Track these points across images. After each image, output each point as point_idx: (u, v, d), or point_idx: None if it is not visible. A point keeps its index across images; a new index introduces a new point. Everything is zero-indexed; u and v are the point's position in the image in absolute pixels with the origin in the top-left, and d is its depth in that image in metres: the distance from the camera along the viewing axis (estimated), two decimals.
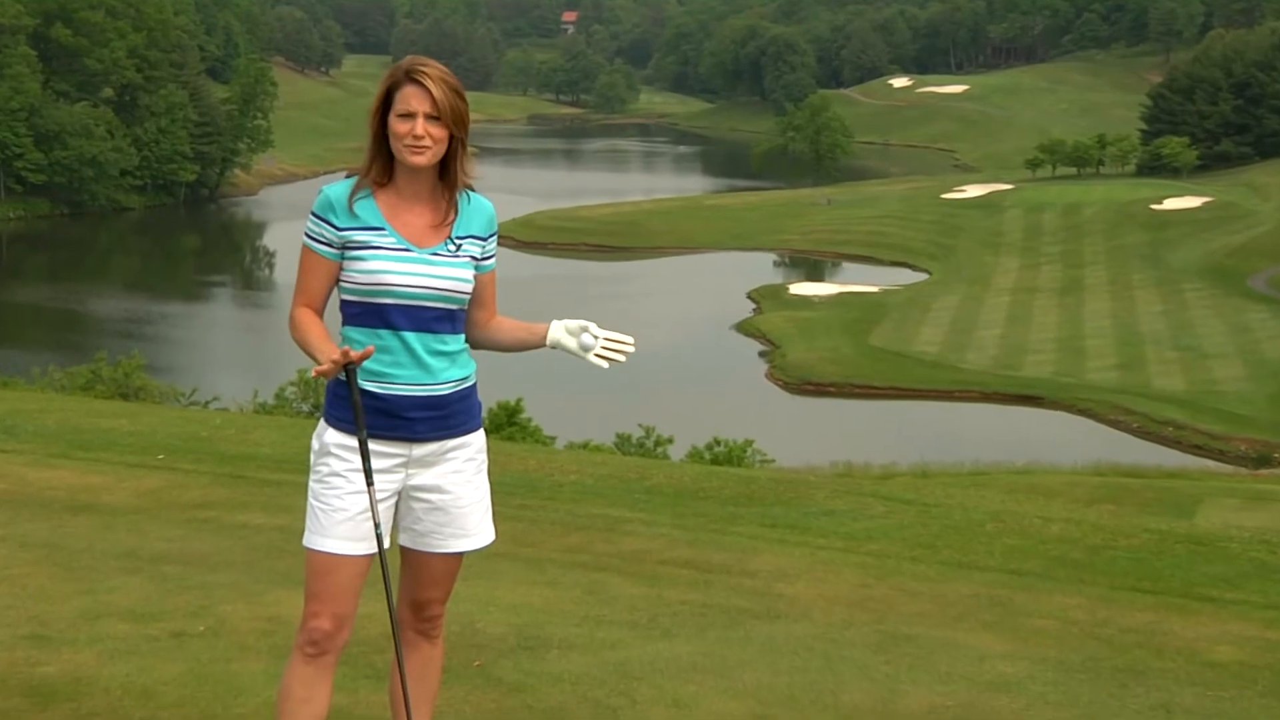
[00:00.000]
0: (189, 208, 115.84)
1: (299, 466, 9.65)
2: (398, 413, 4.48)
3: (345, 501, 4.48)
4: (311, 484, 4.56)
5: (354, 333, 4.50)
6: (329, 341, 4.47)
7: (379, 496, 4.51)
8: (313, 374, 4.45)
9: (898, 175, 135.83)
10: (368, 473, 4.45)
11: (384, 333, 4.47)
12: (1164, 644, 7.50)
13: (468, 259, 4.56)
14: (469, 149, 4.58)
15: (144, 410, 17.53)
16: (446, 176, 4.55)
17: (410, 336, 4.47)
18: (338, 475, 4.50)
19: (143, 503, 10.00)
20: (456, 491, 4.62)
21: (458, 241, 4.56)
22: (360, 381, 4.46)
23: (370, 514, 4.49)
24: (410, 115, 4.41)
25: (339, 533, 4.48)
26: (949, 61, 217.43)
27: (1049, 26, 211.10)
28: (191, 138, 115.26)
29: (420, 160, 4.43)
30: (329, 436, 4.53)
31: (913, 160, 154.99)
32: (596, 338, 4.75)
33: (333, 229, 4.48)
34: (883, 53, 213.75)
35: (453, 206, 4.56)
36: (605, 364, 4.77)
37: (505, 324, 4.79)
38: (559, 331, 4.75)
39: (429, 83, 4.42)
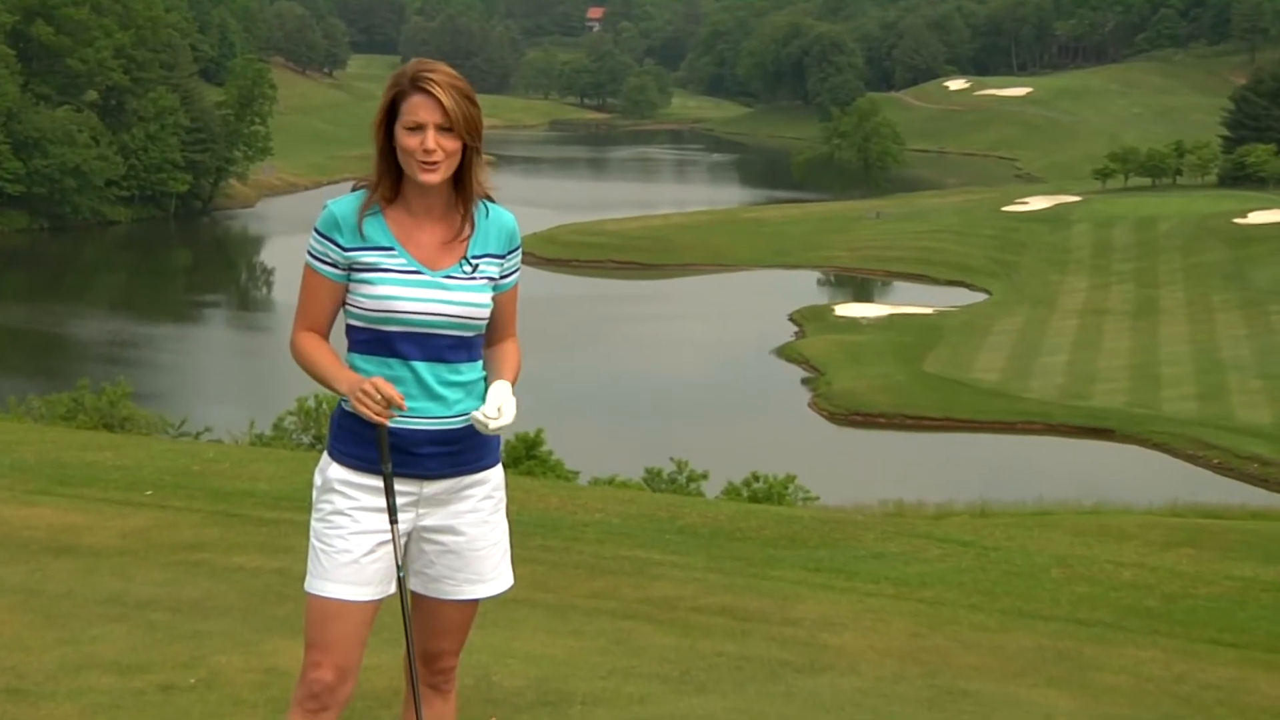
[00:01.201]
0: (180, 221, 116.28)
1: (299, 504, 9.67)
2: (408, 448, 4.49)
3: (350, 542, 4.49)
4: (313, 523, 4.57)
5: (361, 361, 4.51)
6: (345, 368, 4.49)
7: (385, 540, 4.52)
8: (371, 416, 4.37)
9: (954, 186, 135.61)
10: (391, 509, 4.46)
11: (393, 362, 4.48)
12: (1248, 702, 7.45)
13: (484, 281, 4.57)
14: (484, 157, 4.59)
15: (130, 442, 17.59)
16: (461, 190, 4.56)
17: (421, 366, 4.49)
18: (342, 514, 4.51)
19: (129, 544, 10.03)
20: (471, 533, 4.63)
21: (474, 261, 4.56)
22: (355, 411, 4.48)
23: (374, 555, 4.51)
24: (419, 127, 4.41)
25: (342, 576, 4.49)
26: (1011, 62, 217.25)
27: (1121, 23, 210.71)
28: (183, 145, 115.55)
29: (433, 178, 4.44)
30: (333, 472, 4.54)
31: (971, 170, 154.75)
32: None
33: (338, 249, 4.50)
34: (938, 52, 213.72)
35: (469, 222, 4.57)
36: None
37: (502, 353, 4.76)
38: (495, 394, 4.60)
39: (438, 90, 4.42)
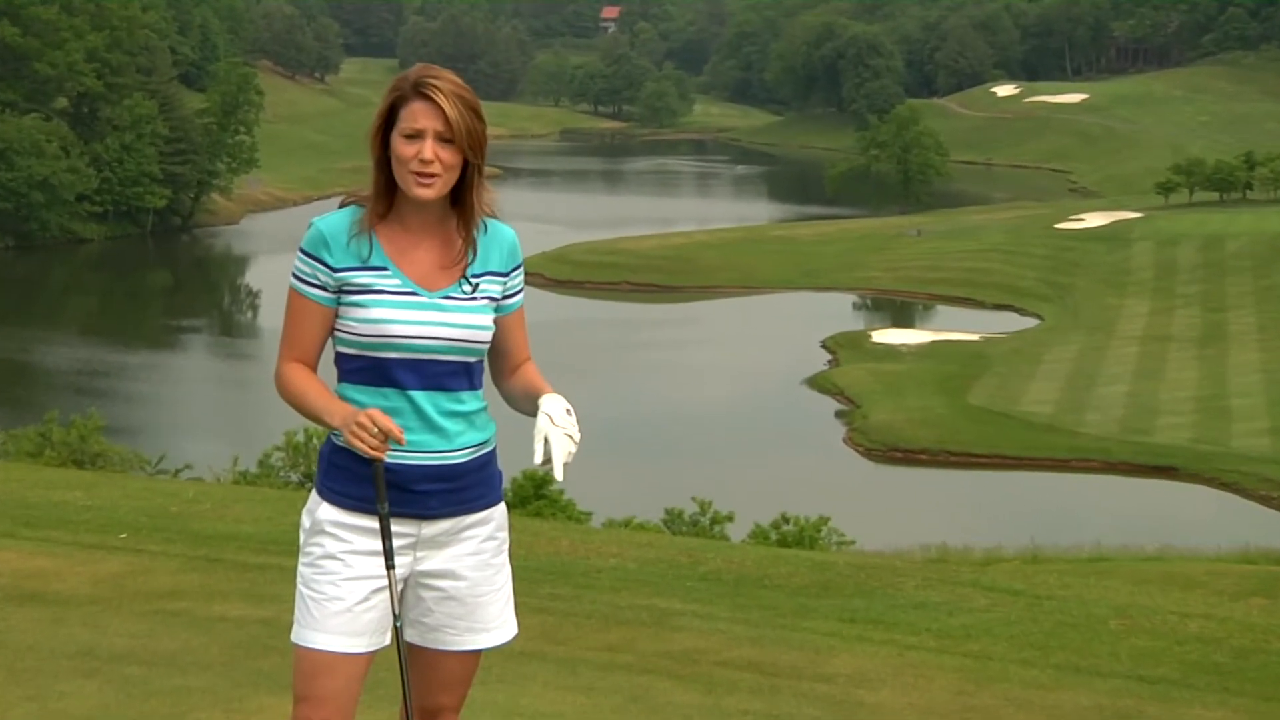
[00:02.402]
0: (157, 239, 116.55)
1: (287, 548, 9.67)
2: (405, 485, 4.49)
3: (341, 589, 4.49)
4: (301, 568, 4.58)
5: (354, 393, 4.51)
6: (336, 399, 4.49)
7: (381, 586, 4.52)
8: (366, 451, 4.38)
9: (1003, 201, 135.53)
10: (388, 553, 4.46)
11: (389, 392, 4.49)
12: None
13: (485, 301, 4.57)
14: (486, 176, 4.60)
15: (103, 480, 17.61)
16: (461, 210, 4.57)
17: (419, 396, 4.49)
18: (333, 558, 4.51)
19: (101, 591, 10.04)
20: (473, 577, 4.63)
21: (474, 281, 4.57)
22: (346, 446, 4.48)
23: (368, 603, 4.51)
24: (418, 135, 4.42)
25: (333, 626, 4.49)
26: (1064, 65, 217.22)
27: (1185, 24, 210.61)
28: (161, 156, 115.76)
29: (427, 193, 4.44)
30: (323, 512, 4.54)
31: (1021, 183, 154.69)
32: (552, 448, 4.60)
33: (326, 269, 4.50)
34: (985, 55, 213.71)
35: (469, 242, 4.58)
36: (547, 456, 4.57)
37: (529, 372, 4.77)
38: (552, 406, 4.63)
39: (440, 97, 4.43)
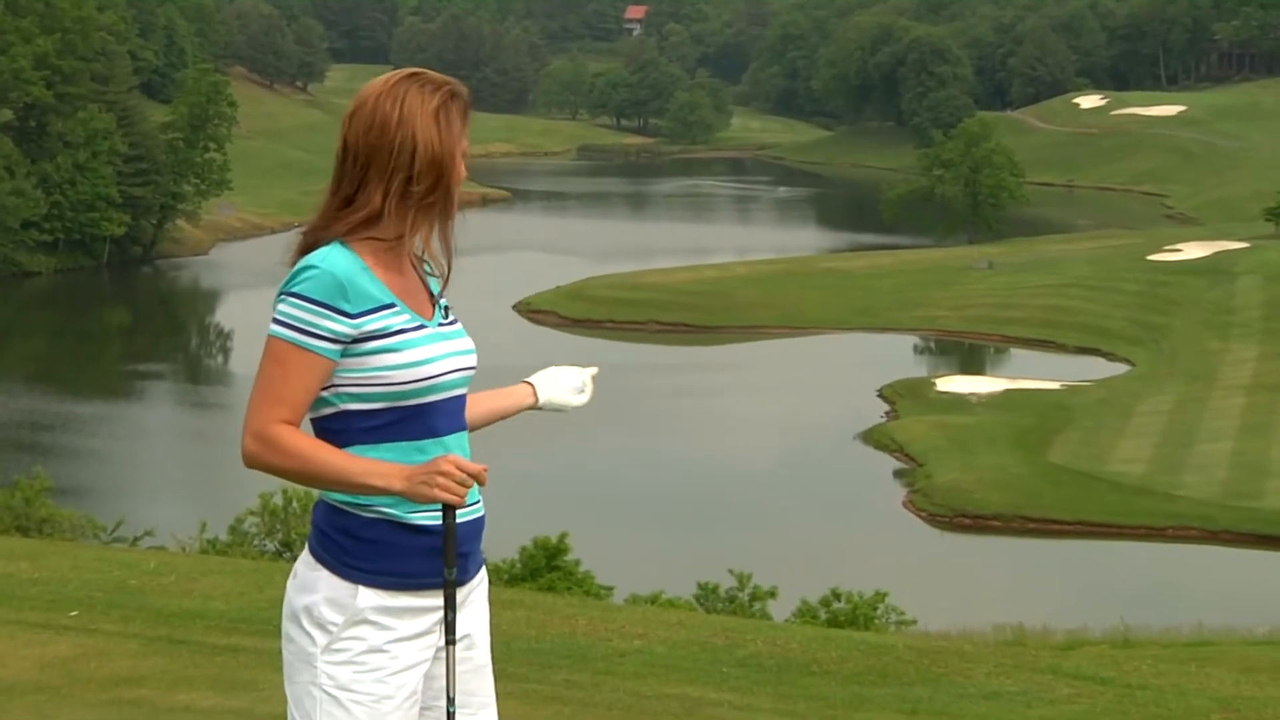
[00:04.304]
0: (115, 272, 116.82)
1: (263, 627, 9.68)
2: (457, 548, 4.56)
3: (390, 685, 4.52)
4: (330, 669, 4.51)
5: (377, 453, 4.52)
6: (374, 459, 4.47)
7: (426, 670, 4.57)
8: (453, 501, 4.40)
9: (1087, 228, 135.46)
10: (450, 626, 4.49)
11: (427, 444, 4.53)
12: None
13: (461, 325, 4.69)
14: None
15: (51, 550, 17.65)
16: (443, 226, 4.67)
17: (452, 441, 4.57)
18: (378, 651, 4.51)
19: (48, 677, 10.05)
20: (482, 644, 4.75)
21: (443, 304, 4.68)
22: (403, 514, 4.50)
23: (415, 696, 4.55)
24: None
25: None
26: (1158, 73, 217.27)
27: None
28: (120, 177, 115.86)
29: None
30: (364, 599, 4.51)
31: (1108, 208, 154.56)
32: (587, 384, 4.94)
33: (344, 319, 4.50)
34: (1066, 61, 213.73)
35: (450, 265, 4.68)
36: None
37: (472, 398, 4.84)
38: (551, 389, 4.85)
39: (466, 111, 4.58)
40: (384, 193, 4.53)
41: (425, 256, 4.64)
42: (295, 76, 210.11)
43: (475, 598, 4.67)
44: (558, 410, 4.94)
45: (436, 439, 4.50)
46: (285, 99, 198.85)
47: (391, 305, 4.51)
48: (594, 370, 5.07)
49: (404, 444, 4.49)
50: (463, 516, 4.50)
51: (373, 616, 4.49)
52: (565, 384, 4.92)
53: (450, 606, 4.46)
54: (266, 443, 4.45)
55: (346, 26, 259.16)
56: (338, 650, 4.50)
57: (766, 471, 64.17)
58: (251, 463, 4.51)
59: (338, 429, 4.52)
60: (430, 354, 4.49)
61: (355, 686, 4.48)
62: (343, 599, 4.52)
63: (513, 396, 4.93)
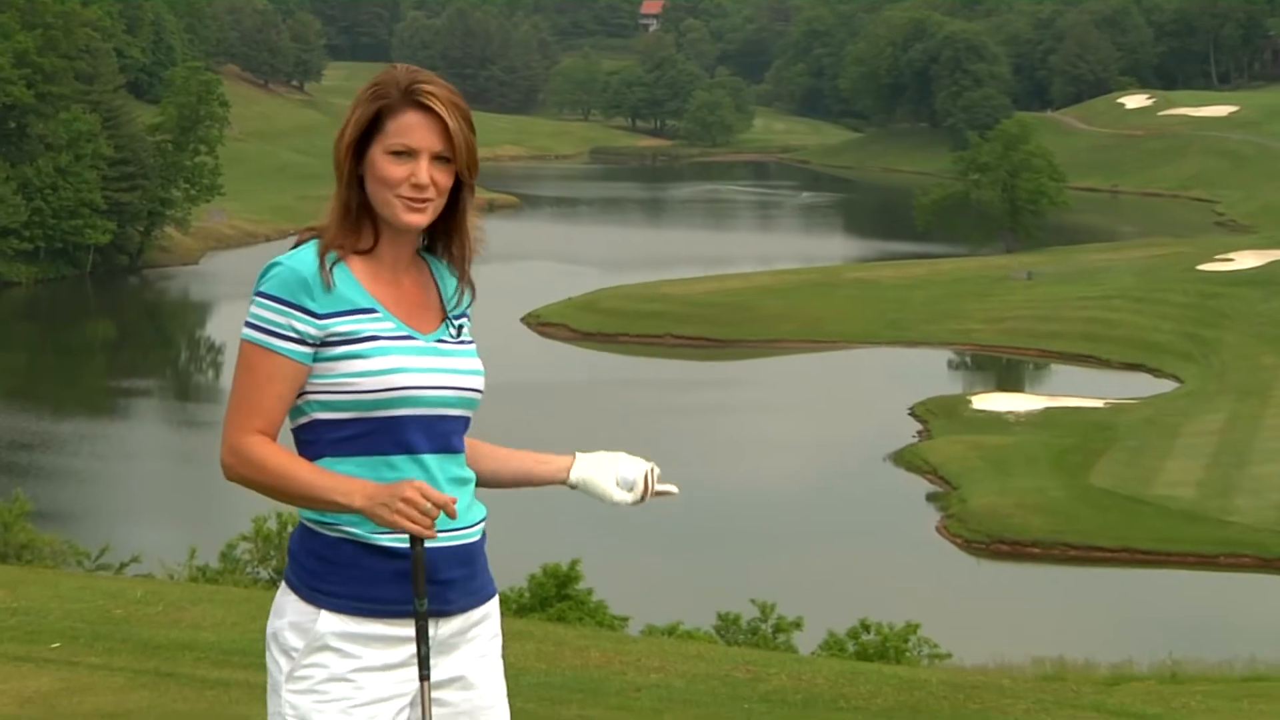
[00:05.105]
0: (99, 282, 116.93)
1: (256, 659, 9.68)
2: (429, 575, 4.50)
3: (357, 717, 4.48)
4: (291, 698, 4.51)
5: (347, 467, 4.51)
6: (342, 475, 4.46)
7: (401, 707, 4.53)
8: (416, 531, 4.37)
9: (1132, 236, 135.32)
10: (423, 660, 4.46)
11: (399, 460, 4.50)
12: None
13: (473, 345, 4.65)
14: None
15: (31, 578, 17.66)
16: (454, 241, 4.63)
17: (431, 461, 4.52)
18: (340, 680, 4.49)
19: (29, 713, 10.05)
20: (484, 685, 4.66)
21: (457, 323, 4.63)
22: (367, 534, 4.48)
23: None
24: (409, 154, 4.47)
25: None
26: (1209, 71, 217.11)
27: None
28: (105, 182, 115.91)
29: (420, 219, 4.51)
30: (325, 623, 4.50)
31: (1155, 214, 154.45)
32: (647, 491, 4.79)
33: (309, 318, 4.51)
34: (1110, 58, 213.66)
35: (465, 279, 4.65)
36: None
37: (490, 451, 4.80)
38: (591, 470, 4.75)
39: (440, 107, 4.48)
40: (341, 199, 4.55)
41: (450, 268, 4.64)
42: (291, 75, 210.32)
43: (477, 634, 4.62)
44: (594, 496, 4.80)
45: (412, 456, 4.47)
46: (280, 99, 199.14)
47: (370, 311, 4.50)
48: (657, 470, 4.82)
49: (373, 458, 4.47)
50: (443, 540, 4.47)
51: (334, 643, 4.47)
52: (614, 472, 4.74)
53: (422, 640, 4.43)
54: (238, 455, 4.47)
55: (345, 22, 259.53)
56: (299, 678, 4.50)
57: (790, 495, 64.13)
58: (228, 476, 4.56)
59: (310, 439, 4.53)
60: (407, 364, 4.46)
61: (315, 717, 4.46)
62: (305, 623, 4.51)
63: (549, 465, 4.82)
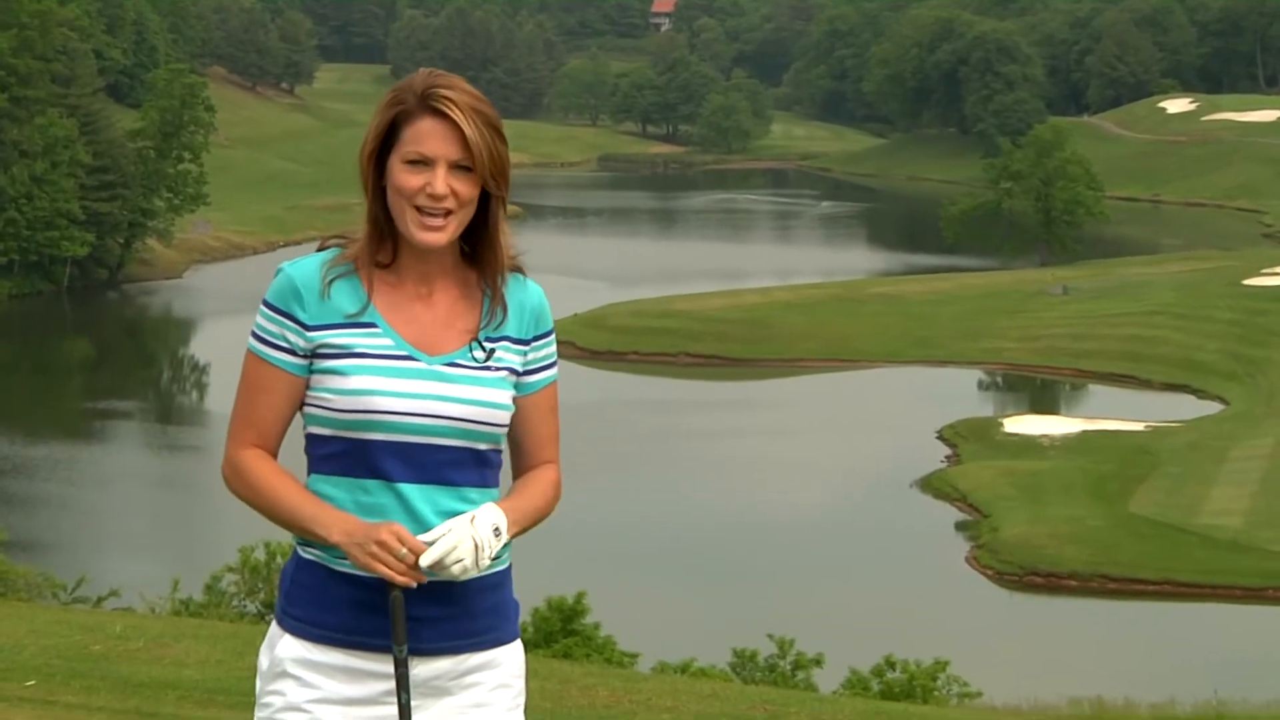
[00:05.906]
0: (77, 298, 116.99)
1: (243, 699, 9.69)
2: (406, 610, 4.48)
3: None
4: None
5: (325, 485, 4.51)
6: (328, 505, 4.45)
7: None
8: (389, 577, 4.35)
9: (1174, 249, 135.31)
10: (404, 708, 4.43)
11: (371, 485, 4.48)
12: None
13: (503, 373, 4.59)
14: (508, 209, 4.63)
15: (3, 611, 17.68)
16: (485, 258, 4.60)
17: (411, 491, 4.48)
18: (297, 710, 4.48)
19: None
20: None
21: (488, 346, 4.58)
22: (330, 559, 4.46)
23: None
24: (425, 162, 4.46)
25: None
26: (1255, 73, 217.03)
27: None
28: (83, 191, 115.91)
29: (438, 238, 4.48)
30: (285, 648, 4.52)
31: (1198, 225, 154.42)
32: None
33: (298, 328, 4.51)
34: (1151, 60, 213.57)
35: (498, 299, 4.61)
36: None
37: (524, 481, 4.76)
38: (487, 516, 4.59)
39: (457, 113, 4.46)
40: (368, 211, 4.55)
41: (487, 289, 4.62)
42: (280, 77, 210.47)
43: (476, 681, 4.59)
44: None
45: (386, 483, 4.46)
46: (269, 102, 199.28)
47: (369, 325, 4.50)
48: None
49: (346, 480, 4.49)
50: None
51: (292, 669, 4.48)
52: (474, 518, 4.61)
53: (402, 688, 4.41)
54: (233, 468, 4.50)
55: (338, 21, 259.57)
56: (263, 704, 4.52)
57: (811, 523, 64.07)
58: (228, 488, 4.56)
59: (308, 453, 4.55)
60: (383, 387, 4.44)
61: None
62: (273, 645, 4.55)
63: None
